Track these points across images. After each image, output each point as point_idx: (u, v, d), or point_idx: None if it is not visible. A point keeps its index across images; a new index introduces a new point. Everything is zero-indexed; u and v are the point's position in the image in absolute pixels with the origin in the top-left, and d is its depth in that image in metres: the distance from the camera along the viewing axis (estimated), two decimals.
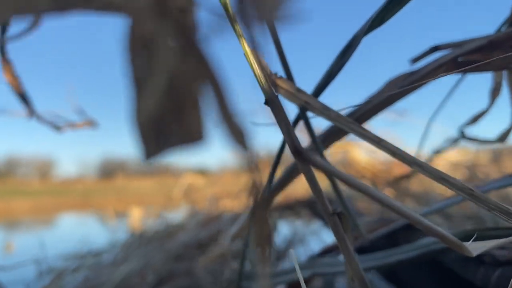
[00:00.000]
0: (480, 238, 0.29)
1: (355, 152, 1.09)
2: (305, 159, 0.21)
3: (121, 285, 0.74)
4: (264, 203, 0.33)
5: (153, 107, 0.13)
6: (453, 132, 0.54)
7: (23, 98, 0.53)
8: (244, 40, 0.25)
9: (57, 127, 0.51)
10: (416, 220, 0.21)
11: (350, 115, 0.38)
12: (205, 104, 0.13)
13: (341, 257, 0.42)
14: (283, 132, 0.22)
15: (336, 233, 0.26)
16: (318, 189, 0.26)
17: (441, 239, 0.21)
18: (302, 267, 0.43)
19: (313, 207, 1.12)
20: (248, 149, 0.14)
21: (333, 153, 1.06)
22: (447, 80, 0.46)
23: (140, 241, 1.03)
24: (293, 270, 0.42)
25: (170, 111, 0.13)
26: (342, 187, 0.45)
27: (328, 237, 0.96)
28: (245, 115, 0.14)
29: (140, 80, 0.13)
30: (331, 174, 0.21)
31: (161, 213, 1.36)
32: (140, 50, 0.13)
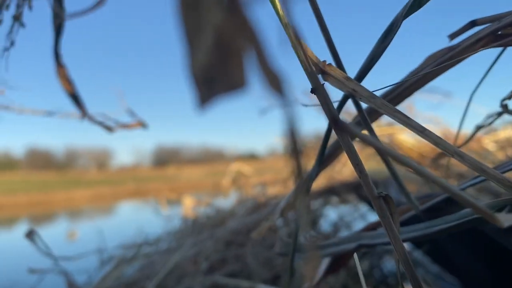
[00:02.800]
0: None
1: (401, 134, 1.07)
2: (343, 129, 0.22)
3: (175, 272, 0.78)
4: (307, 182, 0.35)
5: (203, 59, 0.14)
6: (496, 109, 0.52)
7: (76, 100, 0.56)
8: (290, 29, 0.25)
9: (108, 128, 0.54)
10: (449, 190, 0.21)
11: (392, 90, 0.38)
12: (247, 55, 0.14)
13: None
14: (321, 104, 0.23)
15: (382, 216, 0.26)
16: (358, 162, 0.27)
17: (474, 209, 0.22)
18: (348, 240, 0.43)
19: (359, 190, 1.11)
20: (284, 94, 0.16)
21: (379, 135, 1.04)
22: (490, 59, 0.45)
23: (192, 228, 1.07)
24: (339, 242, 0.43)
25: (217, 62, 0.14)
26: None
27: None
28: (281, 66, 0.15)
29: (191, 36, 0.15)
30: (369, 144, 0.22)
31: (212, 200, 1.40)
32: (189, 9, 0.14)
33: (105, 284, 0.68)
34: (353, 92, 0.28)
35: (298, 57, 0.24)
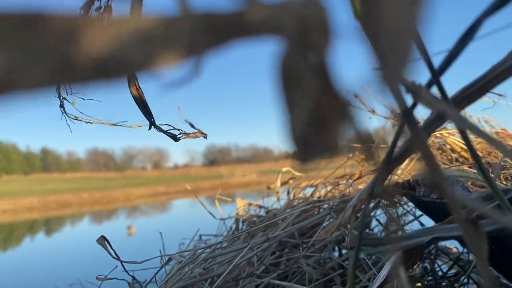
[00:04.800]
0: None
1: (453, 137, 1.05)
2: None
3: (231, 274, 0.82)
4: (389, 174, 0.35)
5: (301, 126, 0.16)
6: None
7: (145, 109, 0.60)
8: (380, 51, 0.25)
9: (173, 137, 0.58)
10: None
11: (474, 84, 0.37)
12: (339, 125, 0.16)
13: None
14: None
15: (469, 241, 0.26)
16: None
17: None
18: (421, 233, 0.42)
19: (410, 191, 1.09)
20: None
21: (431, 139, 1.03)
22: None
23: (245, 230, 1.10)
24: (411, 236, 0.42)
25: (314, 129, 0.16)
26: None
27: (428, 224, 0.95)
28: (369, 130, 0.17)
29: (290, 104, 0.16)
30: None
31: (263, 202, 1.43)
32: (289, 81, 0.16)
33: (166, 287, 0.73)
34: (442, 113, 0.27)
35: (385, 78, 0.24)
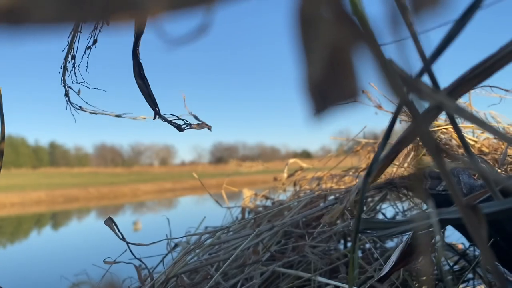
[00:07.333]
0: None
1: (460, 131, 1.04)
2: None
3: (236, 261, 0.82)
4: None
5: (318, 73, 0.15)
6: None
7: (151, 99, 0.60)
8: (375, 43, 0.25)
9: (178, 127, 0.58)
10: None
11: (479, 66, 0.36)
12: (359, 64, 0.15)
13: None
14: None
15: (469, 225, 0.26)
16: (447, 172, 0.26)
17: None
18: (427, 216, 0.43)
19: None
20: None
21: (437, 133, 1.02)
22: None
23: (251, 220, 1.11)
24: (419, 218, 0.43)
25: (330, 74, 0.15)
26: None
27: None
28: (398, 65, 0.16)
29: (307, 50, 0.16)
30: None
31: (270, 194, 1.43)
32: (305, 26, 0.15)
33: (173, 271, 0.73)
34: (440, 105, 0.28)
35: (383, 71, 0.23)
